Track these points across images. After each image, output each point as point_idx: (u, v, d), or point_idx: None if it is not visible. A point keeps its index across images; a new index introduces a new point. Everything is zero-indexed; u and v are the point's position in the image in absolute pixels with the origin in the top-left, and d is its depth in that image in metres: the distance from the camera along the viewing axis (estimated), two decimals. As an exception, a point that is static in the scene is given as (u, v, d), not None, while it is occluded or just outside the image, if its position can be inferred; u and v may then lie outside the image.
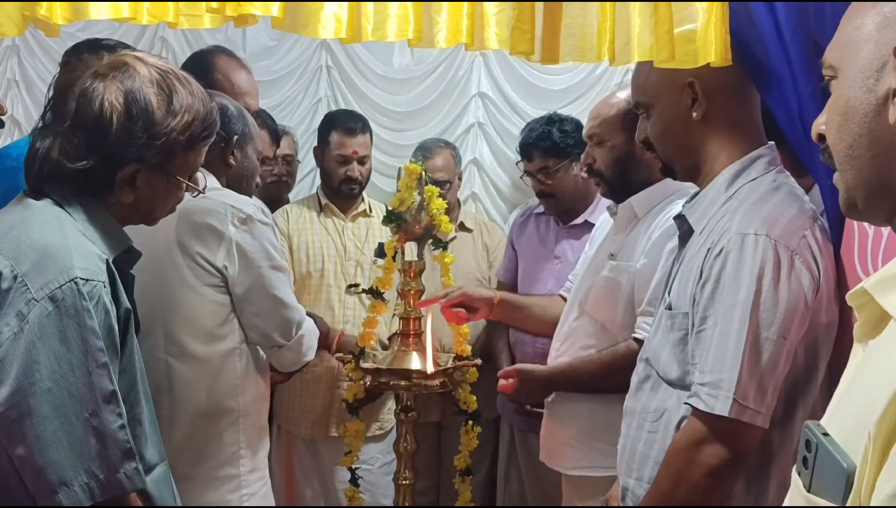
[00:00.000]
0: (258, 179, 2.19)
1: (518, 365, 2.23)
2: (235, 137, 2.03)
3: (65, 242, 1.28)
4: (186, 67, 2.48)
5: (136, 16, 1.39)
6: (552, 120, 2.89)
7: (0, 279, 1.24)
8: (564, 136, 2.81)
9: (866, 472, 0.70)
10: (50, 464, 1.20)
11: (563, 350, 2.17)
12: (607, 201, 2.85)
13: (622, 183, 2.13)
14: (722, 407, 1.37)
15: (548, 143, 2.82)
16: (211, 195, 1.79)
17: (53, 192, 1.34)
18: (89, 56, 1.39)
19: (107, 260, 1.32)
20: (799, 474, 0.82)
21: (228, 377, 1.90)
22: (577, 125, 2.86)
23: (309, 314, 2.18)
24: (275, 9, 1.41)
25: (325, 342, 2.77)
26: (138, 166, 1.37)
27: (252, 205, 1.94)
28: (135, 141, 1.33)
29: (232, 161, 2.04)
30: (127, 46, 2.14)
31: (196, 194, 1.55)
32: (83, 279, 1.24)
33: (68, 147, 1.32)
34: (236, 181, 2.06)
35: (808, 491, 0.78)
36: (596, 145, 2.16)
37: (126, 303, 1.34)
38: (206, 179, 1.66)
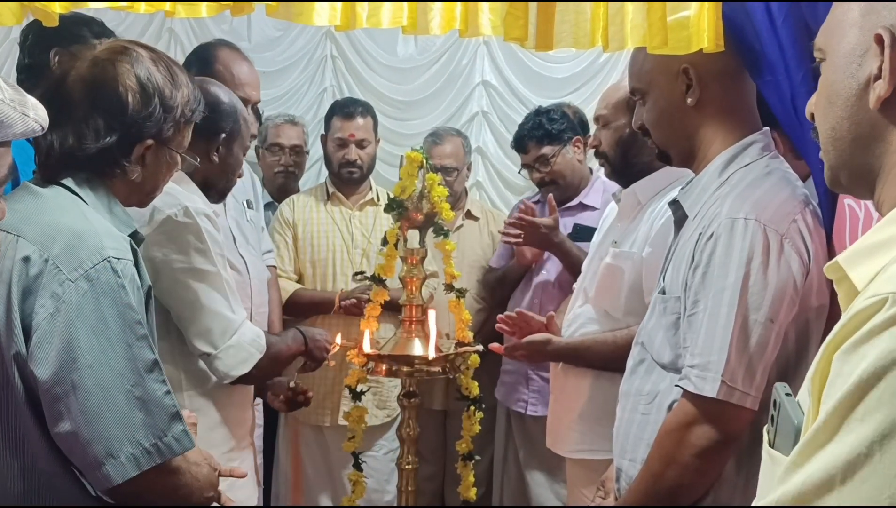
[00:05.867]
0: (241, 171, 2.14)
1: (533, 336, 2.24)
2: (223, 135, 2.00)
3: (91, 224, 1.32)
4: (190, 58, 2.51)
5: (133, 5, 1.41)
6: (539, 112, 3.04)
7: (28, 264, 1.26)
8: (553, 123, 2.93)
9: (808, 424, 0.75)
10: (96, 438, 1.24)
11: (568, 336, 2.20)
12: (601, 185, 2.93)
13: (625, 165, 2.17)
14: (710, 389, 1.39)
15: (540, 132, 2.93)
16: None
17: (67, 178, 1.38)
18: (79, 47, 1.43)
19: (130, 240, 1.36)
20: (766, 432, 0.86)
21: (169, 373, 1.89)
22: (563, 112, 3.02)
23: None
24: (269, -4, 1.43)
25: (327, 308, 2.89)
26: (152, 143, 1.43)
27: (177, 205, 1.86)
28: (153, 116, 1.40)
29: (215, 158, 1.99)
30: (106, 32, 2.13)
31: (191, 168, 1.63)
32: (115, 258, 1.29)
33: (86, 131, 1.36)
34: (216, 176, 2.02)
35: (772, 447, 0.83)
36: (602, 127, 2.21)
37: (148, 280, 1.39)
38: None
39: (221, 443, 1.99)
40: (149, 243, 1.80)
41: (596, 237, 2.37)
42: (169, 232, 1.84)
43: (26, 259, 1.27)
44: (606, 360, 2.05)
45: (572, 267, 2.70)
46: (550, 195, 2.85)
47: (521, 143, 3.01)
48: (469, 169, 3.47)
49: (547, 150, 2.92)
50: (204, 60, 2.40)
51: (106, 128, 1.37)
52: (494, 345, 2.29)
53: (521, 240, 2.79)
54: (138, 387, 1.27)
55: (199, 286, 1.87)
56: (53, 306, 1.24)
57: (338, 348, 2.27)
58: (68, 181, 1.38)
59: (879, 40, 0.81)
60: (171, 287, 1.85)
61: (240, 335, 1.90)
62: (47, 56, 2.02)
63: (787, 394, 0.83)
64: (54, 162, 1.38)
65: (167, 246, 1.84)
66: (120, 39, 1.47)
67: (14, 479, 1.27)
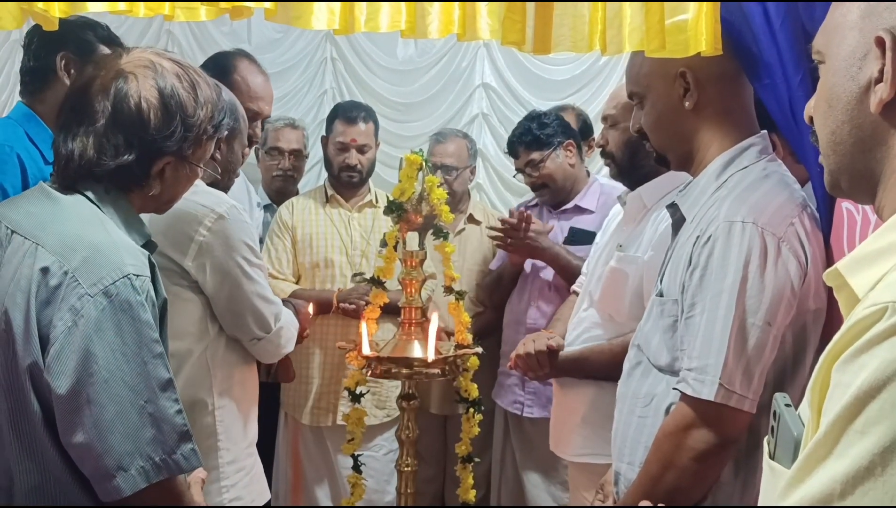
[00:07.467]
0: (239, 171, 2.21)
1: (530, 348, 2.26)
2: (226, 133, 2.03)
3: (111, 238, 1.32)
4: (208, 65, 2.50)
5: (132, 9, 1.41)
6: (532, 117, 3.06)
7: (48, 275, 1.26)
8: (543, 128, 2.95)
9: (808, 436, 0.74)
10: (108, 450, 1.25)
11: (572, 340, 2.21)
12: (599, 188, 2.93)
13: (632, 167, 2.17)
14: (708, 392, 1.39)
15: (529, 137, 2.95)
16: (185, 195, 1.74)
17: (87, 188, 1.38)
18: (103, 56, 1.41)
19: (148, 255, 1.36)
20: (767, 443, 0.85)
21: (200, 371, 1.93)
22: (557, 116, 3.04)
23: (287, 302, 2.24)
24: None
25: (326, 309, 2.90)
26: (171, 158, 1.42)
27: (225, 203, 1.95)
28: (174, 134, 1.39)
29: (218, 155, 2.01)
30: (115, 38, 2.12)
31: (211, 178, 1.65)
32: (135, 275, 1.29)
33: (106, 145, 1.36)
34: (219, 176, 2.05)
35: (772, 458, 0.82)
36: (610, 127, 2.20)
37: (163, 293, 1.39)
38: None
39: (242, 438, 2.03)
40: (208, 245, 1.91)
41: (602, 240, 2.37)
42: (225, 232, 1.93)
43: (45, 270, 1.27)
44: (606, 369, 2.04)
45: (563, 271, 2.70)
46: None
47: (511, 148, 3.05)
48: (473, 172, 3.47)
49: (535, 155, 2.93)
50: (223, 69, 2.40)
51: (125, 144, 1.36)
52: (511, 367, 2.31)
53: (505, 244, 2.80)
54: (151, 404, 1.28)
55: (256, 279, 1.99)
56: (71, 320, 1.24)
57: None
58: (88, 192, 1.38)
59: (880, 43, 0.79)
60: (231, 283, 1.94)
61: (284, 316, 2.08)
62: (53, 59, 2.01)
63: (787, 405, 0.82)
64: (72, 172, 1.37)
65: (227, 246, 1.93)
66: (147, 51, 1.43)
67: (29, 474, 1.29)
